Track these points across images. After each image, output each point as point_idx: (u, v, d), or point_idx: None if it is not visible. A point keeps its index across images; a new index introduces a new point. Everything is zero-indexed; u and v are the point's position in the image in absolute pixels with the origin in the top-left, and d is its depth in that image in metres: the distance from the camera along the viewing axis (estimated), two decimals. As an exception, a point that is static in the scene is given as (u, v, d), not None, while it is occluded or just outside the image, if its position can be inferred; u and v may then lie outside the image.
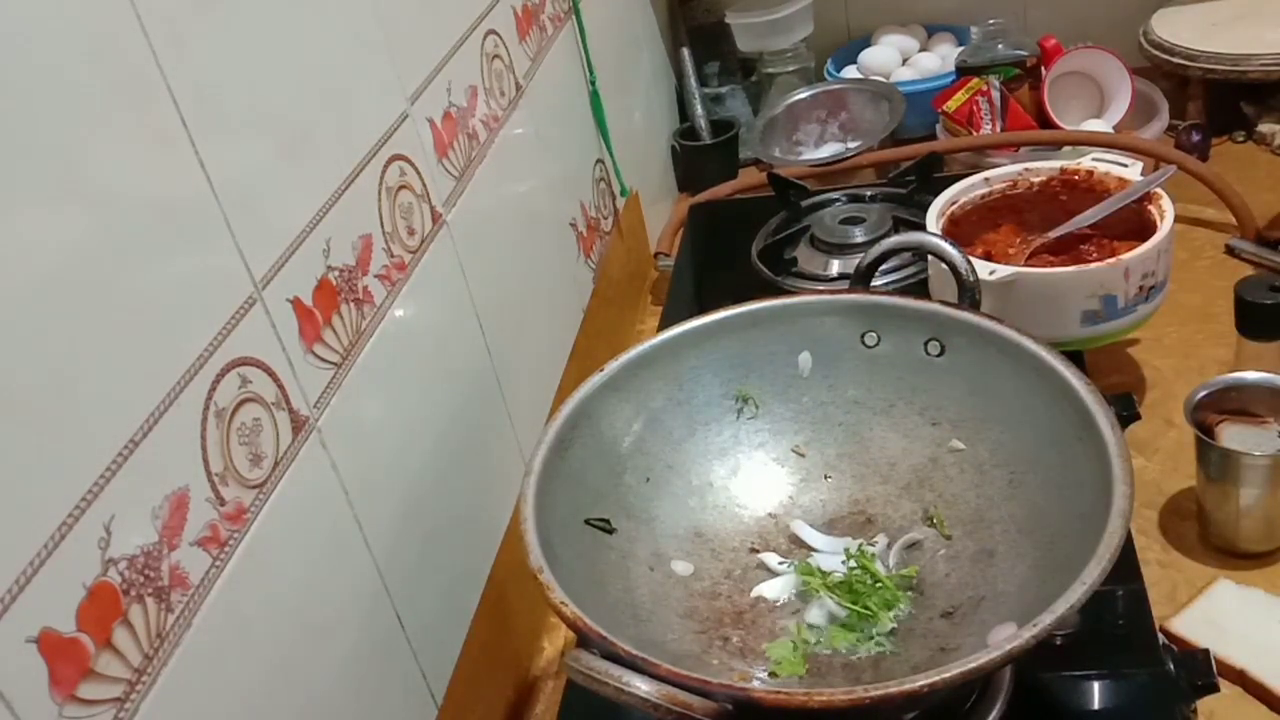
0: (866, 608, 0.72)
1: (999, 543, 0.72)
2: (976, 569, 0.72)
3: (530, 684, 0.91)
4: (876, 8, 1.68)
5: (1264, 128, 1.40)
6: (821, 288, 1.15)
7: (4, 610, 0.43)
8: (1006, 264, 0.96)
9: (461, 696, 0.78)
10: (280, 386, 0.62)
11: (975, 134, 1.39)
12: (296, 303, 0.65)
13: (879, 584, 0.73)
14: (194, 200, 0.57)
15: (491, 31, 0.97)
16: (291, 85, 0.67)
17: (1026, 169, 1.08)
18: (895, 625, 0.71)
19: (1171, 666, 0.73)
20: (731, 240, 1.28)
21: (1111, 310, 0.94)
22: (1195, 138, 1.38)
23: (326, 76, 0.71)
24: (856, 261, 0.88)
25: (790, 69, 1.60)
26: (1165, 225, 0.96)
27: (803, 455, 0.82)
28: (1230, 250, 1.22)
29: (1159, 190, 1.00)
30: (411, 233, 0.79)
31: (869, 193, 1.31)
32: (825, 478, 0.81)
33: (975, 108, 1.40)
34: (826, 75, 1.64)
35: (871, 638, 0.71)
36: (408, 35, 0.81)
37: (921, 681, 0.54)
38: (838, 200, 1.30)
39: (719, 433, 0.82)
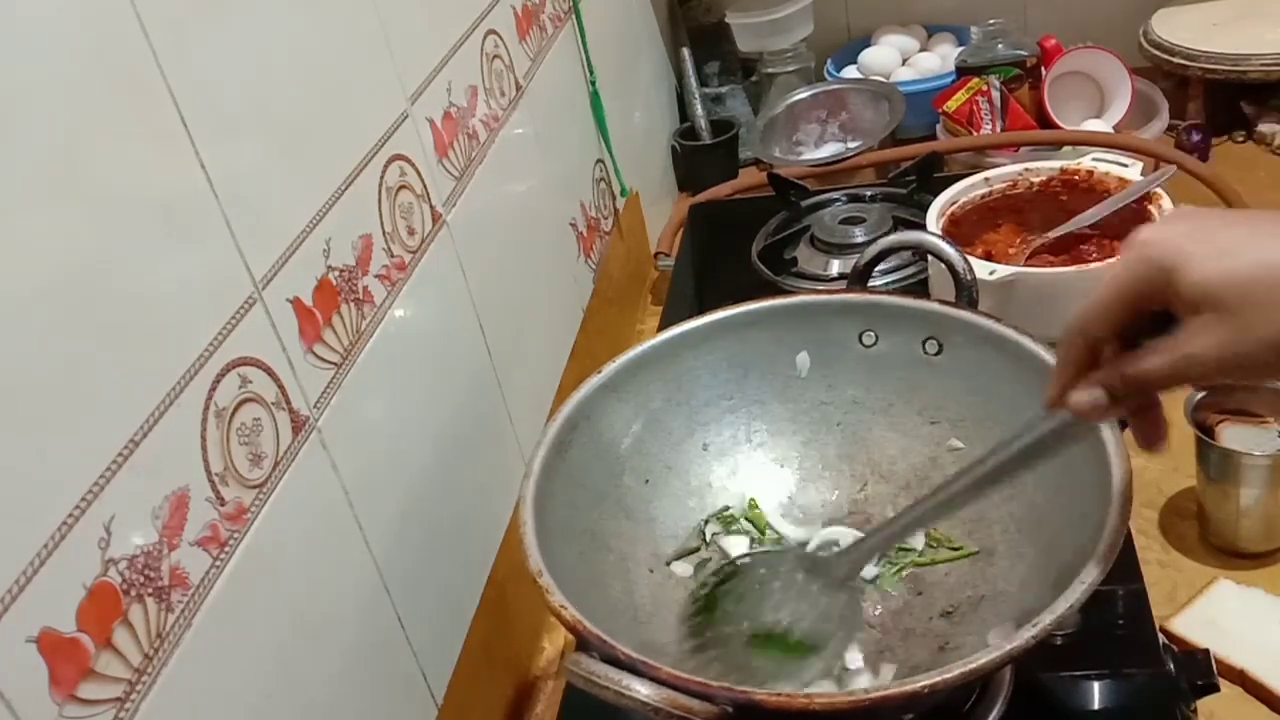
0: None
1: (999, 543, 0.72)
2: (976, 569, 0.72)
3: (530, 684, 0.91)
4: (876, 8, 1.68)
5: (1264, 128, 1.40)
6: (821, 288, 1.15)
7: (4, 610, 0.43)
8: (1006, 264, 0.97)
9: (461, 696, 0.78)
10: (280, 386, 0.62)
11: (975, 134, 1.39)
12: (296, 303, 0.65)
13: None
14: (194, 200, 0.57)
15: (491, 31, 0.97)
16: (291, 85, 0.67)
17: (1026, 169, 1.08)
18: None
19: (1171, 666, 0.73)
20: (731, 240, 1.28)
21: (1111, 310, 0.94)
22: (1195, 138, 1.38)
23: (326, 76, 0.71)
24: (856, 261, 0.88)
25: (790, 69, 1.60)
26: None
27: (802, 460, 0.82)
28: (1230, 250, 1.22)
29: (1159, 190, 1.00)
30: (411, 233, 0.79)
31: (869, 193, 1.31)
32: (824, 477, 0.81)
33: (975, 108, 1.40)
34: (826, 75, 1.64)
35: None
36: (408, 35, 0.81)
37: (922, 682, 0.54)
38: (838, 200, 1.30)
39: (718, 433, 0.82)
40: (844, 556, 0.71)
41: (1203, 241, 0.49)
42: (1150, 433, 0.56)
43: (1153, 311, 0.52)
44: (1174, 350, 0.50)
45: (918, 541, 0.76)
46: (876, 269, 0.89)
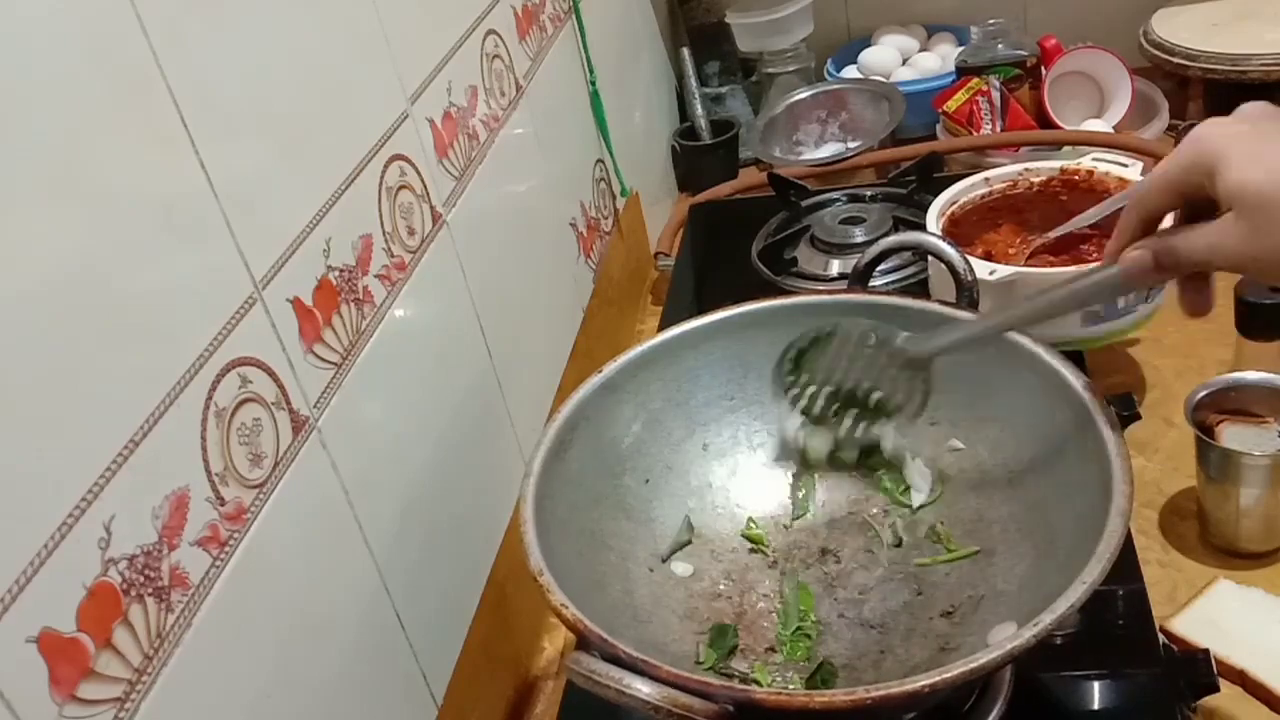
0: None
1: (999, 543, 0.72)
2: (976, 568, 0.72)
3: (530, 684, 0.91)
4: (876, 8, 1.68)
5: (1264, 128, 1.40)
6: (821, 288, 1.15)
7: (4, 610, 0.43)
8: (1007, 264, 0.96)
9: (461, 696, 0.78)
10: (280, 386, 0.62)
11: (975, 134, 1.39)
12: (296, 303, 0.65)
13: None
14: (194, 200, 0.57)
15: (491, 31, 0.97)
16: (291, 85, 0.67)
17: (1026, 169, 1.08)
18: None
19: (1171, 666, 0.73)
20: (731, 240, 1.28)
21: (1111, 310, 0.94)
22: (1195, 138, 1.38)
23: (326, 76, 0.71)
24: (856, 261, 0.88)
25: (790, 69, 1.60)
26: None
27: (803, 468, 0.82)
28: (1230, 250, 1.22)
29: (1159, 190, 1.00)
30: (411, 233, 0.79)
31: (869, 193, 1.31)
32: (825, 478, 0.81)
33: (975, 108, 1.40)
34: (826, 75, 1.64)
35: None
36: (408, 35, 0.81)
37: (922, 681, 0.54)
38: (838, 200, 1.30)
39: (718, 433, 0.82)
40: (928, 340, 0.74)
41: (1247, 146, 0.53)
42: (1193, 301, 0.61)
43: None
44: (1204, 238, 0.56)
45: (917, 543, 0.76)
46: (876, 269, 0.89)
